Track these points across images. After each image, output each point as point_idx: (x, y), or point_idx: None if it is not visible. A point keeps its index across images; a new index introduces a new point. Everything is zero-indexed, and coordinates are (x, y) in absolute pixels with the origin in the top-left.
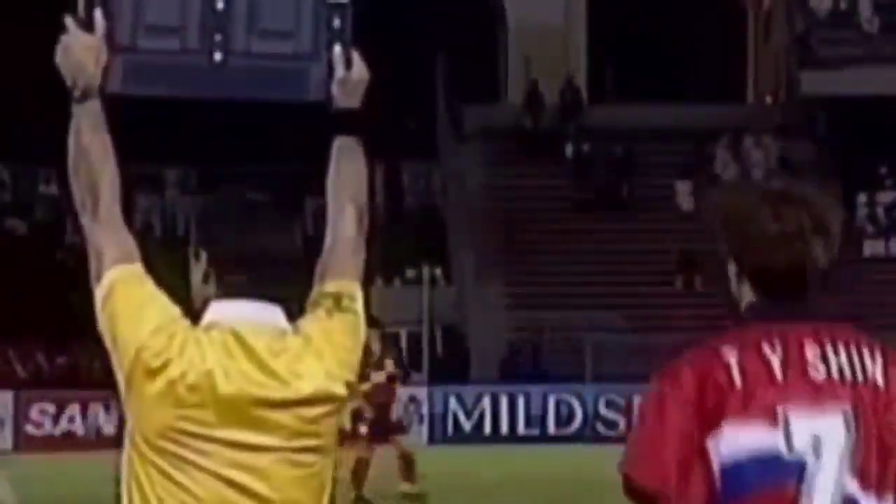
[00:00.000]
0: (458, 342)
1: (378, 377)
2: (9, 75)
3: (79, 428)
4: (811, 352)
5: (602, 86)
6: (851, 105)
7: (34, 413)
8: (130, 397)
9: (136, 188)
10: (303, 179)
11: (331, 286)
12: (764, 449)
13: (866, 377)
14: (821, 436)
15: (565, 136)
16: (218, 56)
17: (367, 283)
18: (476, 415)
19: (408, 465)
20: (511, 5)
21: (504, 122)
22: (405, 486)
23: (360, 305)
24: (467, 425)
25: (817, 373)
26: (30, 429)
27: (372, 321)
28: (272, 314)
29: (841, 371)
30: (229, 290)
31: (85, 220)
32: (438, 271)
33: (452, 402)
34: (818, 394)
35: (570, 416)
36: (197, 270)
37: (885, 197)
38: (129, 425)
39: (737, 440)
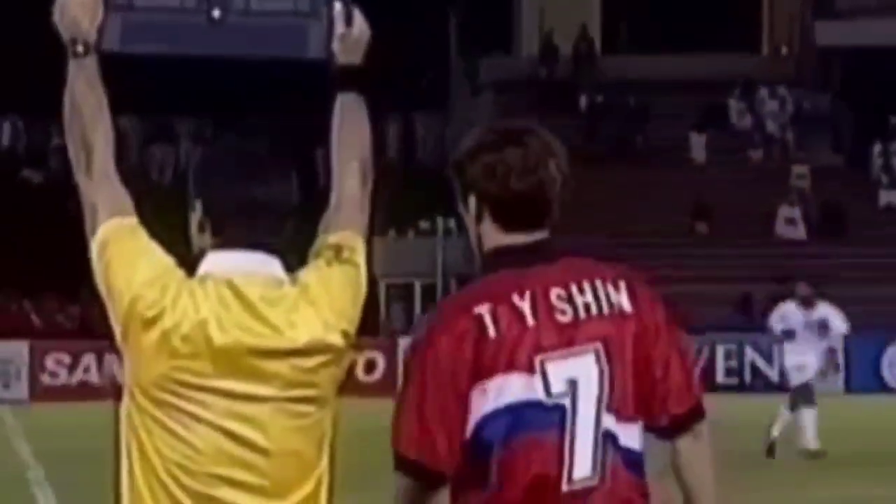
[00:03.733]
0: None
1: None
2: (22, 28)
3: (94, 378)
4: (557, 295)
5: (616, 37)
6: (866, 55)
7: (50, 363)
8: (127, 349)
9: (151, 139)
10: (316, 131)
11: (333, 238)
12: (524, 398)
13: (612, 309)
14: (576, 378)
15: (579, 87)
16: (216, 13)
17: (379, 236)
18: None
19: None
20: None
21: (518, 74)
22: None
23: (361, 258)
24: None
25: (565, 316)
26: (45, 379)
27: None
28: (268, 264)
29: (588, 309)
30: (225, 241)
31: (79, 176)
32: (452, 223)
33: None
34: (569, 337)
35: None
36: (193, 220)
37: None
38: (127, 378)
39: (499, 392)
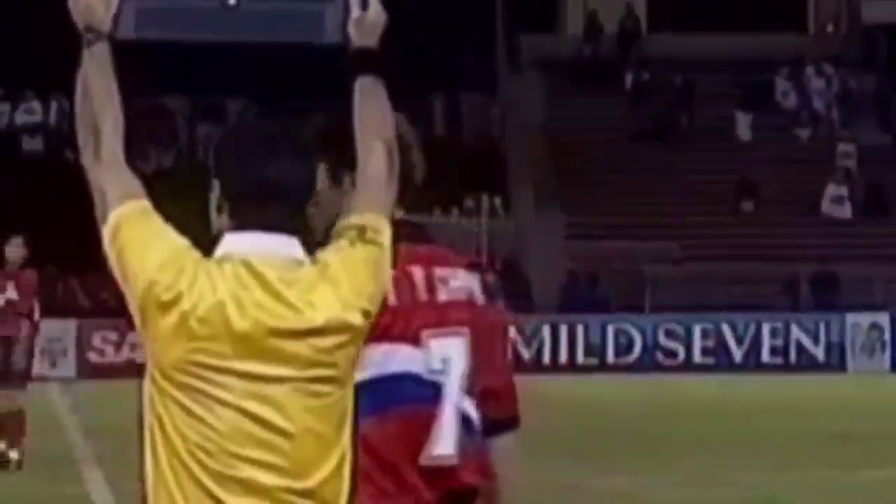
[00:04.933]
0: (516, 272)
1: None
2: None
3: (140, 356)
4: (438, 276)
5: (662, 14)
6: None
7: (97, 341)
8: (146, 333)
9: (199, 118)
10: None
11: (356, 219)
12: (407, 369)
13: (473, 298)
14: (449, 357)
15: (624, 65)
16: None
17: (423, 214)
18: (535, 345)
19: None
20: None
21: (563, 53)
22: None
23: (385, 239)
24: (526, 355)
25: (442, 296)
26: (92, 356)
27: None
28: (287, 245)
29: (458, 293)
30: (242, 222)
31: (87, 161)
32: (497, 201)
33: (511, 333)
34: (445, 316)
35: (630, 346)
36: (212, 201)
37: None
38: (148, 363)
39: (385, 358)
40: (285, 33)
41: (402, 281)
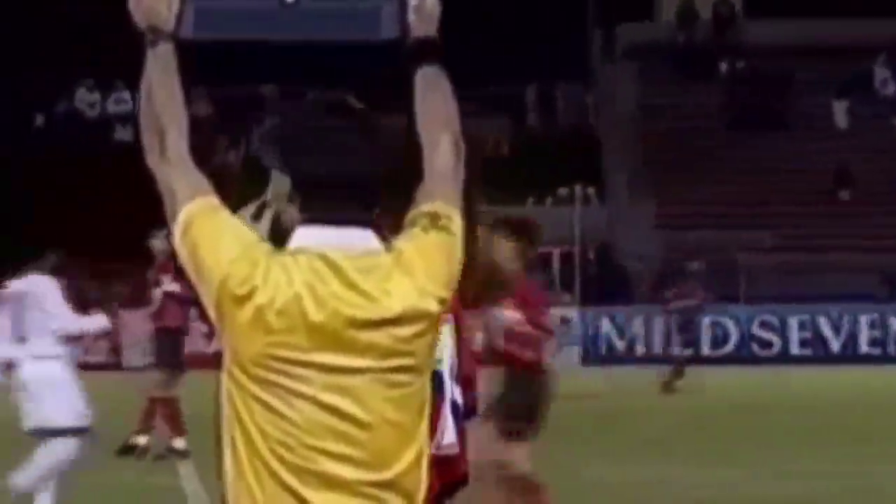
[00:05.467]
0: (610, 262)
1: None
2: None
3: None
4: None
5: (758, 0)
6: None
7: (194, 332)
8: (222, 328)
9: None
10: None
11: (427, 207)
12: None
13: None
14: (443, 346)
15: (720, 52)
16: None
17: (517, 204)
18: (629, 335)
19: None
20: None
21: (657, 40)
22: None
23: (457, 227)
24: (620, 346)
25: None
26: (191, 347)
27: None
28: (361, 236)
29: None
30: (315, 215)
31: (154, 161)
32: (591, 190)
33: (605, 323)
34: None
35: (725, 337)
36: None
37: None
38: (225, 358)
39: None
40: (342, 32)
41: None
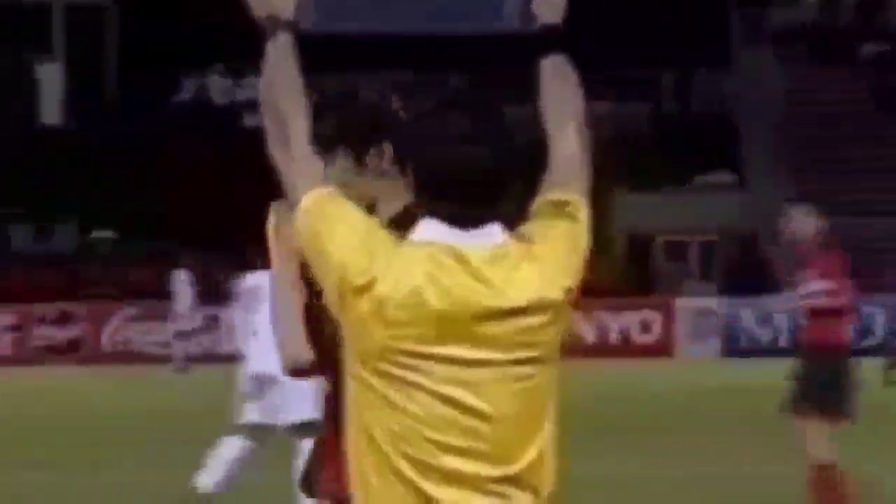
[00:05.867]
0: (751, 252)
1: None
2: None
3: None
4: None
5: None
6: None
7: None
8: (343, 321)
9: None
10: None
11: (554, 195)
12: None
13: None
14: None
15: (865, 35)
16: None
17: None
18: (771, 326)
19: None
20: None
21: (800, 23)
22: None
23: (583, 215)
24: (763, 337)
25: None
26: None
27: None
28: (487, 226)
29: None
30: (439, 205)
31: (276, 153)
32: (732, 177)
33: (747, 314)
34: None
35: (867, 329)
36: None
37: None
38: (346, 351)
39: None
40: (465, 25)
41: None
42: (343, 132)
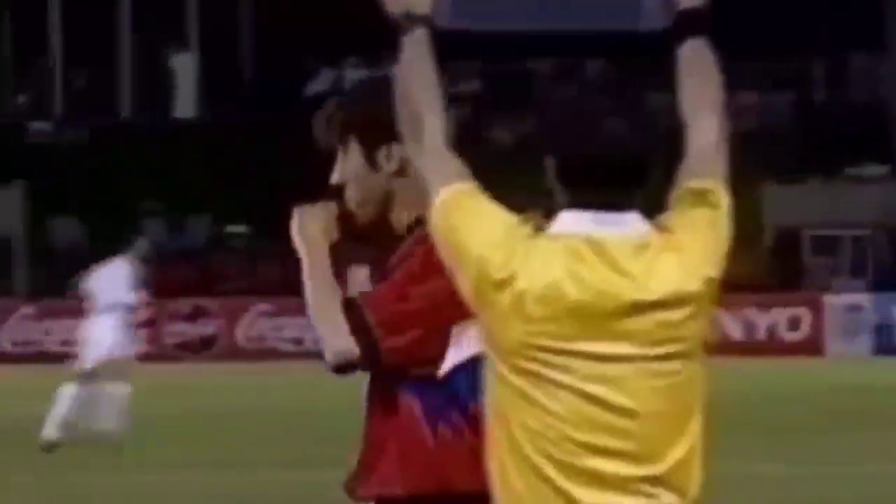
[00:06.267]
0: None
1: None
2: None
3: None
4: None
5: None
6: None
7: None
8: (482, 316)
9: (560, 80)
10: None
11: (694, 183)
12: None
13: None
14: None
15: None
16: None
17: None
18: None
19: None
20: None
21: None
22: None
23: (725, 204)
24: None
25: None
26: None
27: None
28: (629, 217)
29: None
30: (579, 198)
31: (411, 150)
32: (886, 169)
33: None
34: None
35: None
36: (548, 178)
37: None
38: (485, 349)
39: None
40: (601, 23)
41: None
42: (350, 129)
